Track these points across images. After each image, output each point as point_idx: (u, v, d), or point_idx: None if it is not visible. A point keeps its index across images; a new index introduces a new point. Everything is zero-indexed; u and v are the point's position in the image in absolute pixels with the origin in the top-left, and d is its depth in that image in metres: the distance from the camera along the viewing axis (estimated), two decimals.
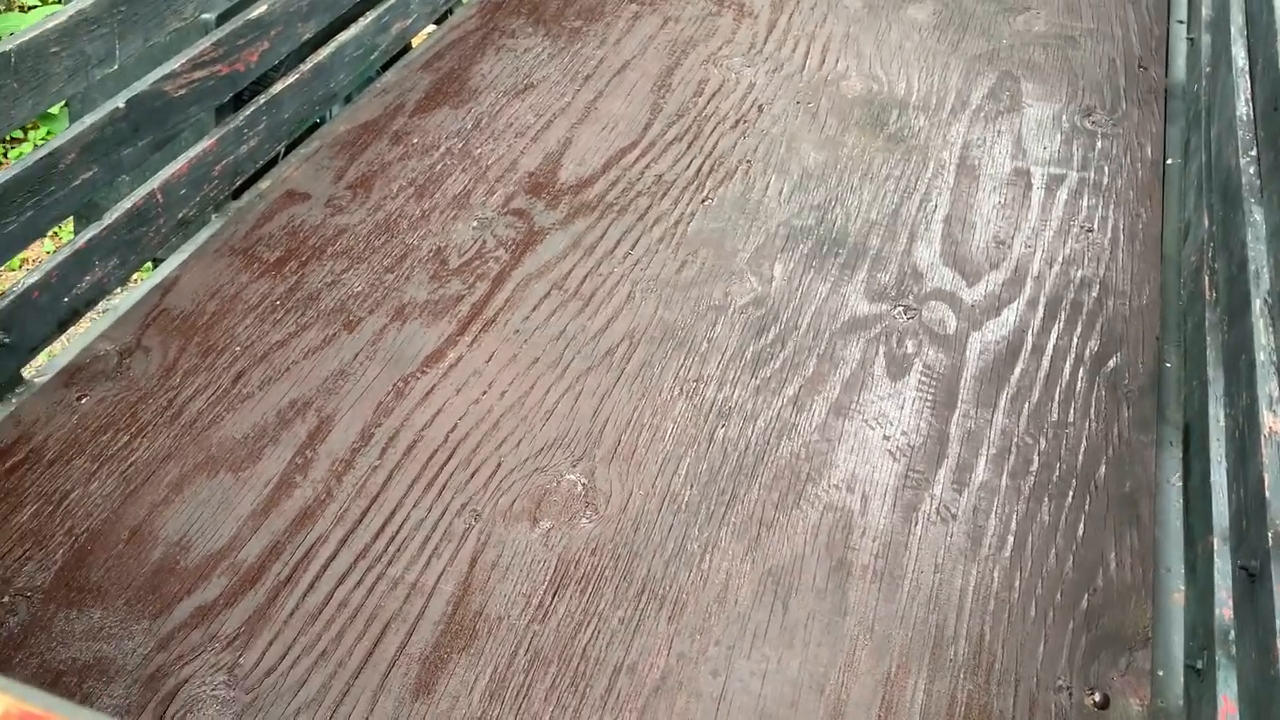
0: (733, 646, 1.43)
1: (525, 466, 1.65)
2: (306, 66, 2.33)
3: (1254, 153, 1.70)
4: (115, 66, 1.84)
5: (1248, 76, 1.90)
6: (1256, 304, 1.44)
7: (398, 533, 1.55)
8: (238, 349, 1.84)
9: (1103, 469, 1.66)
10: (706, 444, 1.71)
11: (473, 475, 1.63)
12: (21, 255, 3.64)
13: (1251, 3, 2.06)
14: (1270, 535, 1.15)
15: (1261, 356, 1.37)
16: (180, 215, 2.03)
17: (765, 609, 1.47)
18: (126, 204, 1.92)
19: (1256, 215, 1.58)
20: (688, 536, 1.56)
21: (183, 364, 1.81)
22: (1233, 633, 1.23)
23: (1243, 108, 1.84)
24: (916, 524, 1.58)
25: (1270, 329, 1.39)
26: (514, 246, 2.09)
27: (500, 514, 1.58)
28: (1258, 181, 1.64)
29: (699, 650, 1.42)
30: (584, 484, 1.63)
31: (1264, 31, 1.85)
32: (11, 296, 1.71)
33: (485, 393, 1.77)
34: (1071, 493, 1.63)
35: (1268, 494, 1.20)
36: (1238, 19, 2.10)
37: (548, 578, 1.49)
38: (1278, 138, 1.56)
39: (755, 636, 1.44)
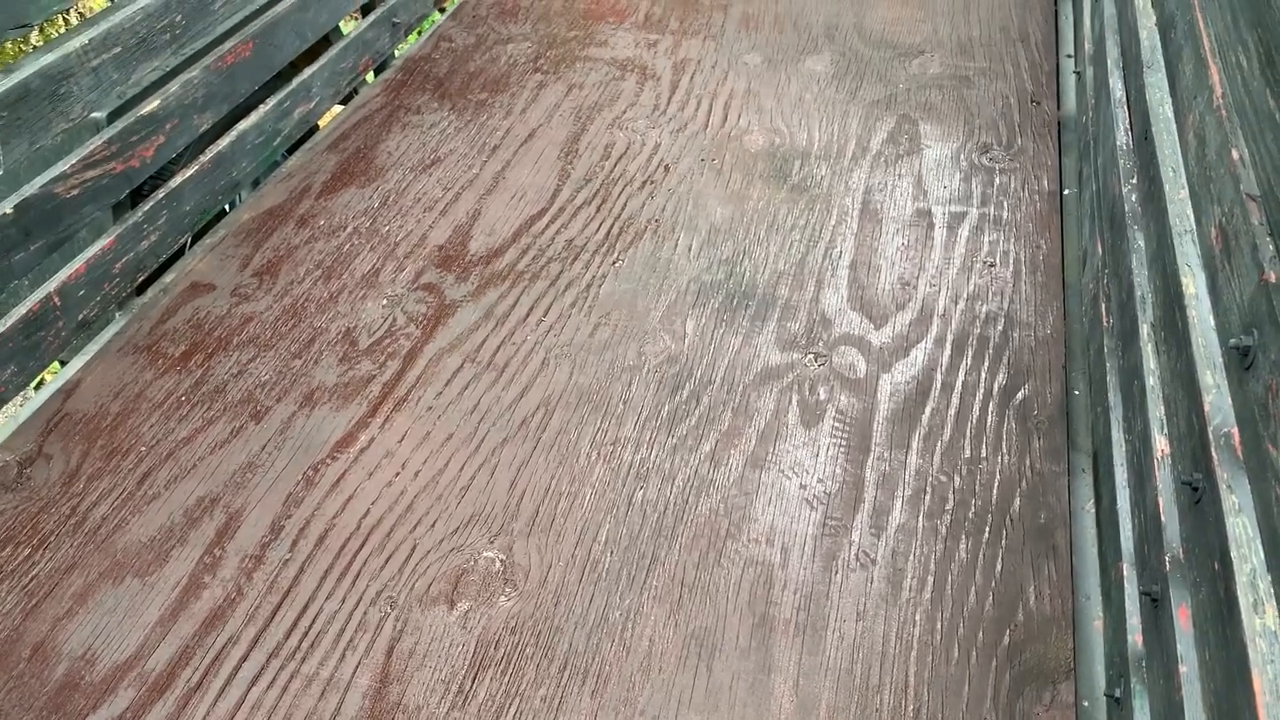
0: (657, 716, 1.40)
1: (441, 547, 1.63)
2: (206, 157, 2.32)
3: (1134, 180, 1.75)
4: (1, 171, 1.82)
5: (1125, 107, 1.96)
6: (1144, 329, 1.47)
7: (310, 626, 1.51)
8: (143, 449, 1.80)
9: (1017, 502, 1.68)
10: (625, 507, 1.69)
11: (387, 561, 1.60)
12: None
13: (1124, 35, 2.13)
14: (1167, 559, 1.16)
15: (1151, 381, 1.39)
16: (81, 316, 2.00)
17: (690, 673, 1.46)
18: (21, 309, 1.88)
19: (1139, 241, 1.62)
20: (609, 605, 1.54)
21: (86, 469, 1.76)
22: (1144, 659, 1.23)
23: (1122, 137, 1.89)
24: (837, 572, 1.58)
25: (1157, 353, 1.41)
26: (425, 322, 2.07)
27: (416, 599, 1.55)
28: (1139, 208, 1.69)
29: None
30: (502, 560, 1.61)
31: (1133, 63, 1.91)
32: None
33: (398, 474, 1.75)
34: (988, 529, 1.64)
35: (1163, 518, 1.21)
36: (1113, 52, 2.17)
37: (467, 661, 1.46)
38: (1150, 165, 1.61)
39: (680, 703, 1.42)
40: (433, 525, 1.66)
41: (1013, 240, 2.24)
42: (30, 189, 1.87)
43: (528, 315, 2.10)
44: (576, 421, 1.85)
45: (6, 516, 1.68)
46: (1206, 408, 1.12)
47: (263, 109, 2.50)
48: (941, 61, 2.93)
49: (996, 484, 1.71)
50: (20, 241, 1.85)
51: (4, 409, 1.89)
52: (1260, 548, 0.95)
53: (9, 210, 1.82)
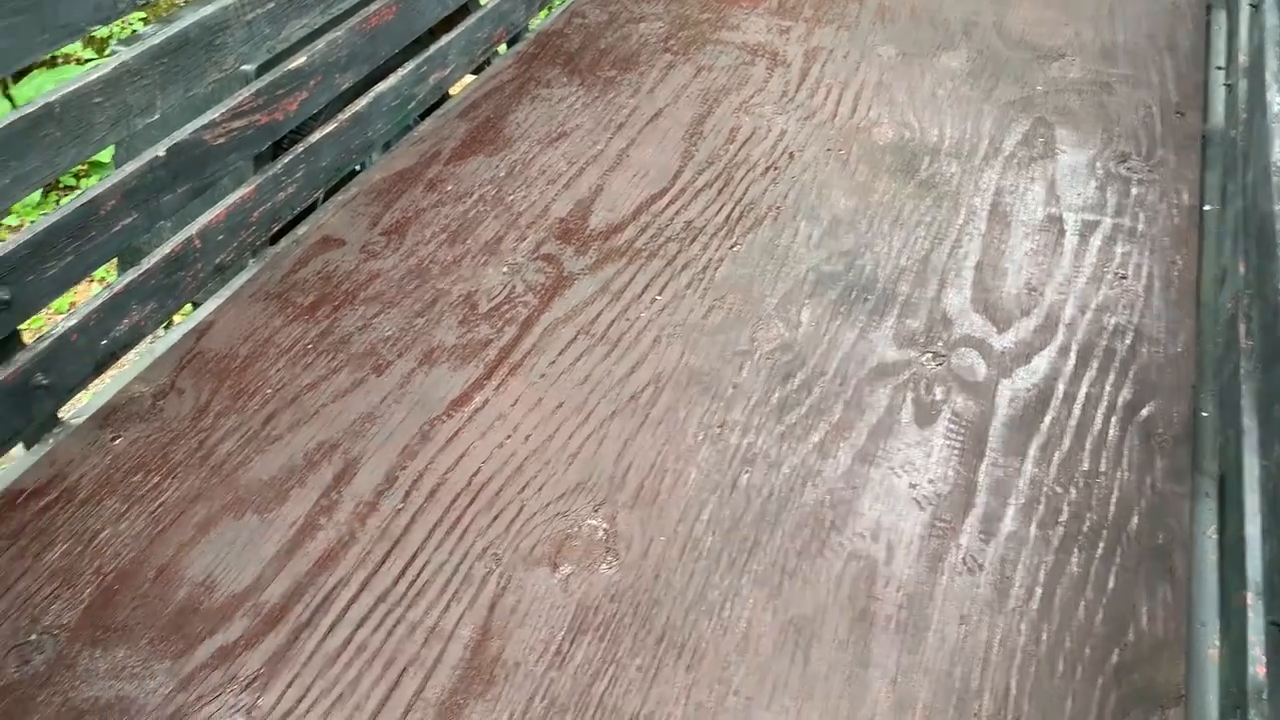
0: (751, 697, 1.41)
1: (547, 511, 1.65)
2: (345, 116, 2.39)
3: None
4: (157, 116, 1.90)
5: None
6: None
7: (418, 576, 1.55)
8: (269, 392, 1.86)
9: (1135, 520, 1.63)
10: (730, 490, 1.69)
11: (494, 519, 1.64)
12: (70, 297, 3.74)
13: None
14: None
15: None
16: (218, 260, 2.08)
17: (786, 659, 1.45)
18: (165, 249, 1.97)
19: None
20: (709, 584, 1.55)
21: (215, 406, 1.84)
22: (1266, 691, 1.19)
23: (1277, 154, 1.81)
24: (942, 574, 1.56)
25: None
26: (543, 292, 2.10)
27: (521, 558, 1.58)
28: None
29: (717, 700, 1.40)
30: (605, 529, 1.63)
31: None
32: (50, 340, 1.76)
33: (509, 436, 1.78)
34: (1102, 544, 1.59)
35: None
36: (1272, 65, 2.08)
37: (566, 623, 1.49)
38: None
39: (775, 687, 1.42)
40: (540, 489, 1.69)
41: (1147, 253, 2.17)
42: (181, 134, 1.96)
43: (643, 292, 2.11)
44: (685, 401, 1.86)
45: (139, 445, 1.76)
46: None
47: (400, 72, 2.56)
48: (1082, 66, 2.84)
49: (1114, 500, 1.66)
50: (169, 184, 1.93)
51: (141, 343, 1.98)
52: None
53: (161, 153, 1.91)
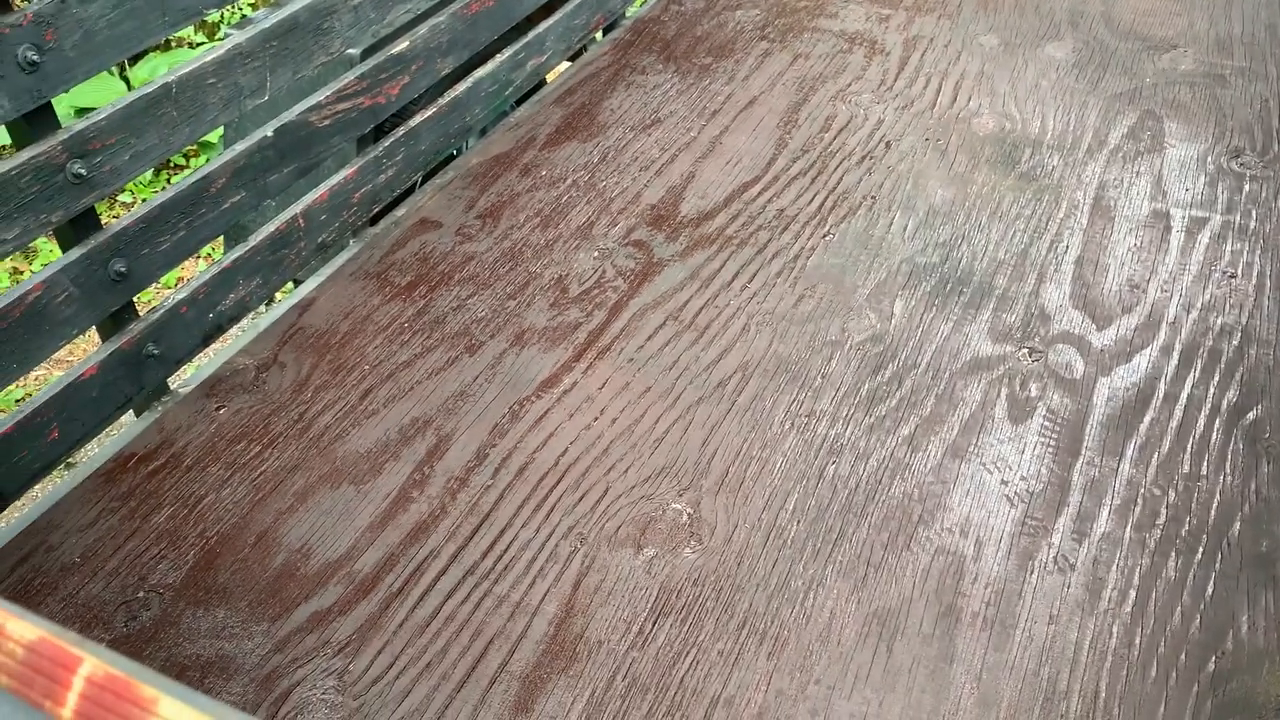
0: (833, 687, 1.40)
1: (632, 493, 1.67)
2: (444, 100, 2.43)
3: None
4: (266, 98, 1.96)
5: None
6: None
7: (505, 551, 1.58)
8: (366, 367, 1.91)
9: (1237, 526, 1.57)
10: (816, 480, 1.69)
11: (580, 499, 1.66)
12: (178, 273, 3.88)
13: None
14: None
15: None
16: (320, 239, 2.14)
17: (869, 651, 1.44)
18: (270, 227, 2.03)
19: None
20: (792, 573, 1.55)
21: (315, 380, 1.89)
22: None
23: None
24: (1032, 573, 1.53)
25: None
26: (632, 277, 2.12)
27: (605, 539, 1.60)
28: None
29: (798, 688, 1.40)
30: (689, 514, 1.63)
31: None
32: (161, 312, 1.83)
33: (597, 419, 1.80)
34: (1202, 549, 1.54)
35: None
36: None
37: (649, 605, 1.50)
38: None
39: (857, 678, 1.41)
40: (625, 471, 1.70)
41: (1258, 252, 2.09)
42: (289, 115, 2.01)
43: (733, 280, 2.11)
44: (773, 389, 1.85)
45: (243, 415, 1.83)
46: None
47: (499, 58, 2.59)
48: (1195, 57, 2.75)
49: (1215, 505, 1.61)
50: (276, 163, 1.99)
51: (246, 317, 2.05)
52: None
53: (270, 134, 1.97)
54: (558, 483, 1.68)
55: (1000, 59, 2.78)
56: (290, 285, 2.26)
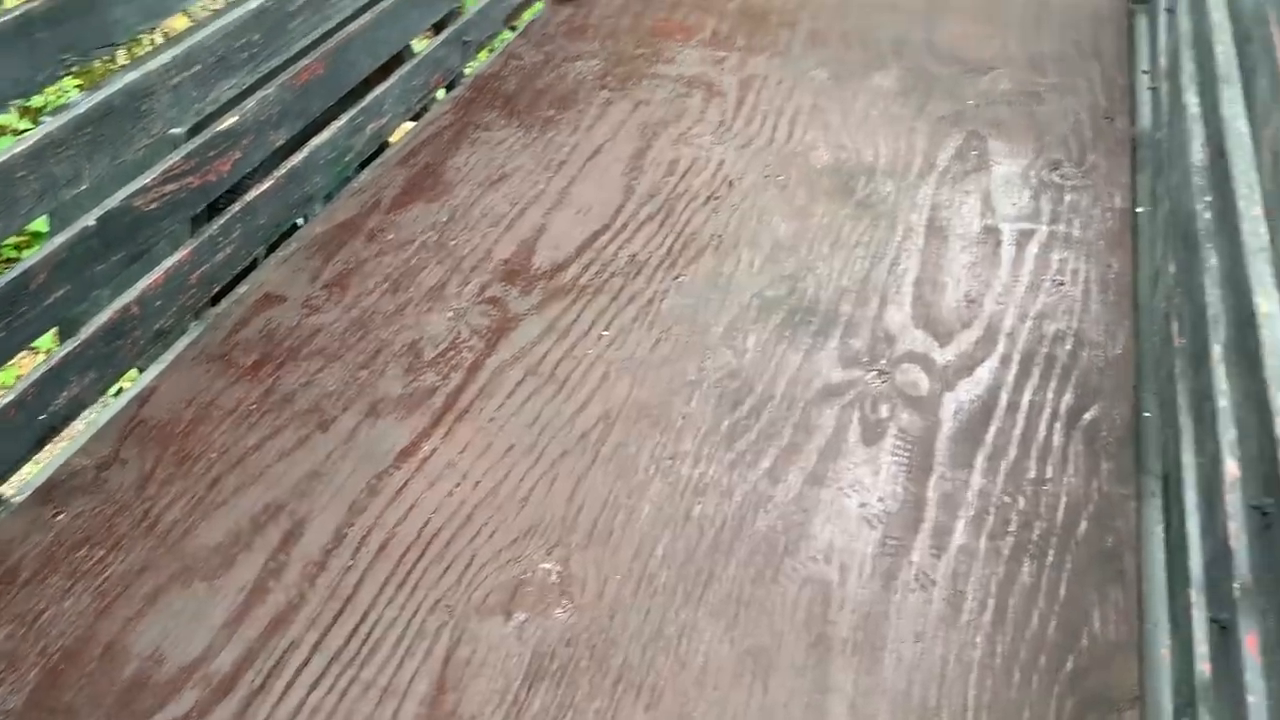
0: None
1: (499, 558, 1.64)
2: (281, 172, 2.38)
3: (1208, 198, 1.71)
4: (85, 185, 1.88)
5: (1201, 123, 1.92)
6: (1215, 350, 1.43)
7: (370, 633, 1.53)
8: (214, 455, 1.85)
9: (1084, 525, 1.64)
10: (683, 522, 1.69)
11: (446, 570, 1.62)
12: (15, 371, 3.69)
13: (1200, 51, 2.08)
14: (1237, 586, 1.13)
15: (1222, 402, 1.35)
16: (157, 326, 2.06)
17: (745, 690, 1.45)
18: (102, 319, 1.95)
19: (1212, 260, 1.58)
20: (665, 620, 1.54)
21: (159, 474, 1.82)
22: (1212, 688, 1.19)
23: (1197, 154, 1.85)
24: (895, 593, 1.56)
25: (1229, 374, 1.37)
26: (488, 335, 2.10)
27: (474, 609, 1.56)
28: (1213, 226, 1.64)
29: None
30: (559, 572, 1.62)
31: (1209, 79, 1.87)
32: None
33: (459, 485, 1.77)
34: (1052, 551, 1.60)
35: (1232, 543, 1.17)
36: (1189, 67, 2.13)
37: (522, 672, 1.47)
38: (1224, 182, 1.57)
39: (735, 719, 1.41)
40: (491, 536, 1.68)
41: (1083, 258, 2.20)
42: (112, 202, 1.94)
43: (590, 329, 2.11)
44: (636, 435, 1.86)
45: (84, 518, 1.74)
46: (1278, 431, 1.09)
47: (335, 125, 2.56)
48: (1012, 77, 2.89)
49: (1062, 506, 1.67)
50: (102, 252, 1.92)
51: (82, 415, 1.95)
52: None
53: (92, 222, 1.89)
54: (421, 556, 1.65)
55: (831, 92, 2.88)
56: (132, 374, 2.16)
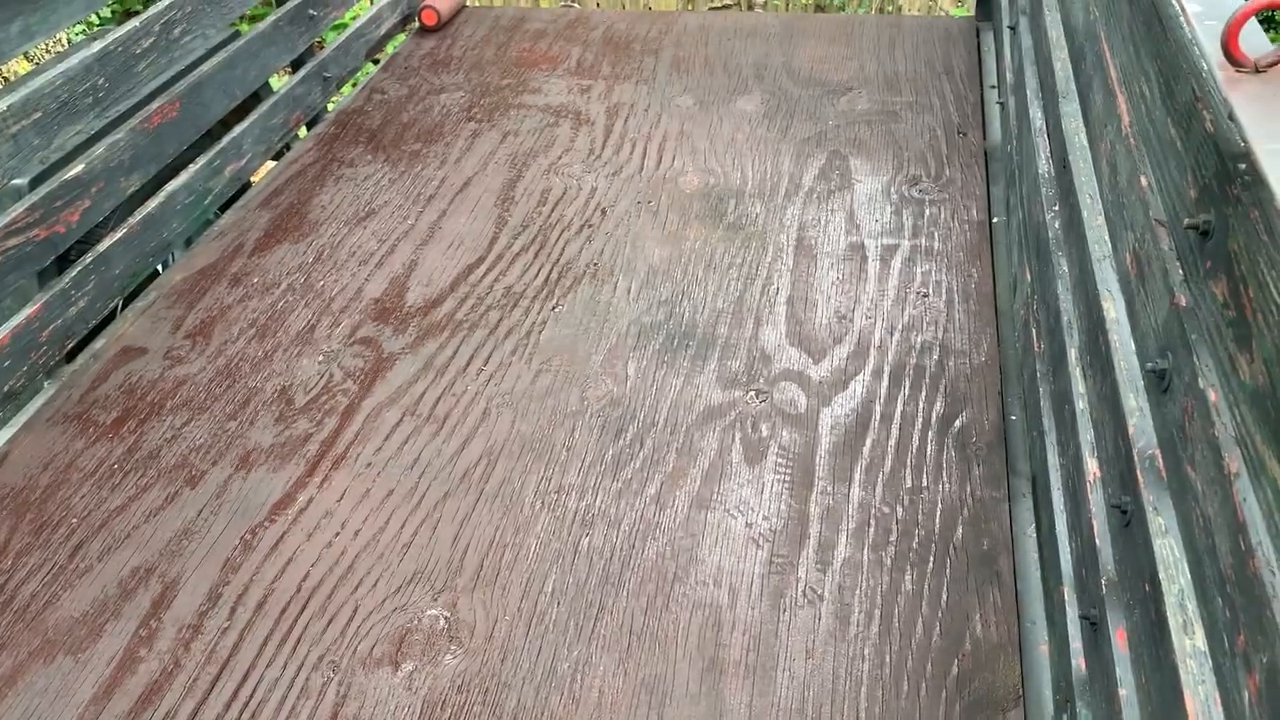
0: None
1: (384, 607, 1.60)
2: (135, 219, 2.29)
3: (1055, 208, 1.78)
4: None
5: (1045, 136, 2.01)
6: (1071, 354, 1.49)
7: (251, 696, 1.47)
8: (74, 520, 1.75)
9: (960, 530, 1.69)
10: (572, 556, 1.68)
11: (329, 624, 1.57)
12: None
13: (1041, 66, 2.18)
14: (1103, 582, 1.17)
15: (1080, 405, 1.41)
16: (7, 387, 1.95)
17: None
18: None
19: (1063, 267, 1.65)
20: (557, 657, 1.52)
21: (15, 544, 1.71)
22: (1087, 683, 1.24)
23: (1043, 165, 1.93)
24: (785, 610, 1.57)
25: (1084, 377, 1.44)
26: (362, 377, 2.05)
27: (360, 662, 1.52)
28: (1061, 235, 1.72)
29: None
30: (446, 617, 1.58)
31: (1050, 94, 1.96)
32: None
33: (338, 534, 1.72)
34: (932, 558, 1.64)
35: (1097, 541, 1.22)
36: (1032, 83, 2.23)
37: None
38: (1069, 193, 1.64)
39: None
40: (374, 585, 1.63)
41: (945, 270, 2.27)
42: None
43: (468, 365, 2.08)
44: (520, 470, 1.83)
45: None
46: (1131, 431, 1.14)
47: (192, 168, 2.48)
48: (869, 97, 2.98)
49: (939, 513, 1.72)
50: None
51: None
52: (1187, 569, 0.96)
53: None
54: (302, 611, 1.59)
55: (697, 118, 2.92)
56: None
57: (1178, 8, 1.19)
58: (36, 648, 1.55)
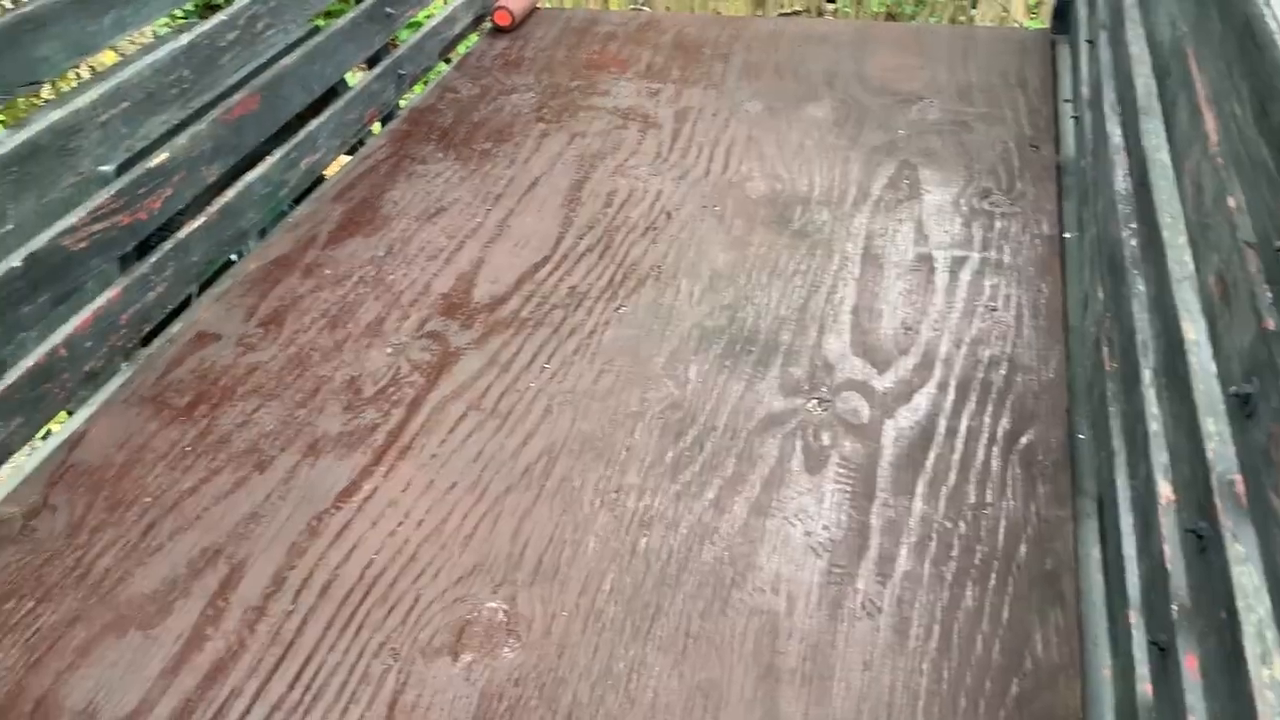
0: None
1: (444, 598, 1.62)
2: (214, 208, 2.35)
3: (1133, 225, 1.76)
4: (10, 225, 1.84)
5: (1124, 152, 1.97)
6: (1146, 374, 1.47)
7: (313, 680, 1.50)
8: (147, 500, 1.80)
9: (1023, 548, 1.67)
10: (629, 556, 1.69)
11: (390, 611, 1.60)
12: None
13: (1120, 81, 2.15)
14: (1175, 608, 1.15)
15: (1154, 426, 1.39)
16: (87, 368, 2.01)
17: None
18: (28, 362, 1.89)
19: (1140, 286, 1.63)
20: (613, 656, 1.53)
21: (90, 521, 1.77)
22: (1153, 709, 1.22)
23: (1121, 182, 1.90)
24: (842, 621, 1.57)
25: (1159, 398, 1.41)
26: (429, 370, 2.08)
27: (420, 650, 1.54)
28: (1139, 253, 1.69)
29: None
30: (505, 610, 1.60)
31: (1130, 109, 1.93)
32: None
33: (402, 523, 1.74)
34: (994, 575, 1.62)
35: (1169, 566, 1.20)
36: (1110, 97, 2.19)
37: (470, 714, 1.45)
38: (1149, 211, 1.62)
39: None
40: (436, 575, 1.66)
41: (1014, 284, 2.25)
42: (38, 242, 1.89)
43: (531, 362, 2.10)
44: (580, 469, 1.85)
45: (10, 570, 1.68)
46: (1209, 455, 1.12)
47: (269, 160, 2.53)
48: (941, 107, 2.96)
49: (1002, 530, 1.70)
50: (28, 294, 1.86)
51: (10, 461, 1.89)
52: (1266, 597, 0.95)
53: (17, 263, 1.84)
54: (364, 597, 1.62)
55: (765, 123, 2.92)
56: (61, 418, 2.11)
57: (1274, 26, 1.16)
58: (109, 622, 1.59)
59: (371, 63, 3.06)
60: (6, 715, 1.46)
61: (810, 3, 5.93)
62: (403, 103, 3.18)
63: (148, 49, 2.39)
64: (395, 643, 1.55)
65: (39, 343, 1.95)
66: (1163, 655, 1.18)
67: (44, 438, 2.12)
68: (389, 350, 2.14)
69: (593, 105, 3.05)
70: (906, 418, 1.92)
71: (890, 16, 5.99)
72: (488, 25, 3.57)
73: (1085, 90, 2.62)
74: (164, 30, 3.87)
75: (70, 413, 2.10)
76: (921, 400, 1.95)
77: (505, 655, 1.53)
